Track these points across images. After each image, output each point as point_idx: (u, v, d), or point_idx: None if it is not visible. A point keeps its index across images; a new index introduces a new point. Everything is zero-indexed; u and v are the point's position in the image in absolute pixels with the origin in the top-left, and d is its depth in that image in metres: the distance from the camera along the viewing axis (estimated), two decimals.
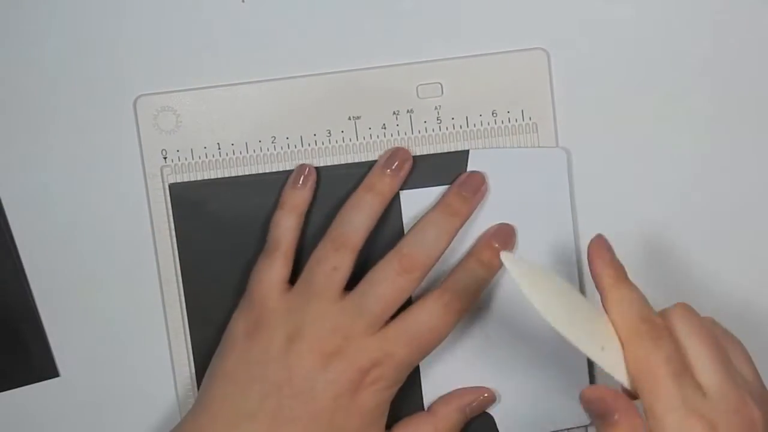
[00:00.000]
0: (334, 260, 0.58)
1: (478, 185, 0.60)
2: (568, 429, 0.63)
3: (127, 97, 0.61)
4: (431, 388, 0.62)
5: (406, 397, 0.62)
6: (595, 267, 0.53)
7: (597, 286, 0.53)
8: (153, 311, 0.62)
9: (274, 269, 0.59)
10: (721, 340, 0.52)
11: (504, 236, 0.60)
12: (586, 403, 0.51)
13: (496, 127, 0.62)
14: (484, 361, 0.62)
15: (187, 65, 0.61)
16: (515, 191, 0.61)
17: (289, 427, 0.56)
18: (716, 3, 0.62)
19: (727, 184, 0.63)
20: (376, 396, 0.57)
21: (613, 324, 0.52)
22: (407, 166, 0.60)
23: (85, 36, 0.61)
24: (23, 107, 0.61)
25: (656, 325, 0.51)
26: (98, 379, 0.63)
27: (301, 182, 0.60)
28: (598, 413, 0.50)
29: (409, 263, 0.57)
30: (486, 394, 0.61)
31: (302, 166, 0.61)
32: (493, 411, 0.62)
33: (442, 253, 0.58)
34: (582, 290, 0.61)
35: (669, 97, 0.62)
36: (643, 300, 0.52)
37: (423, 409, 0.62)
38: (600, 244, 0.54)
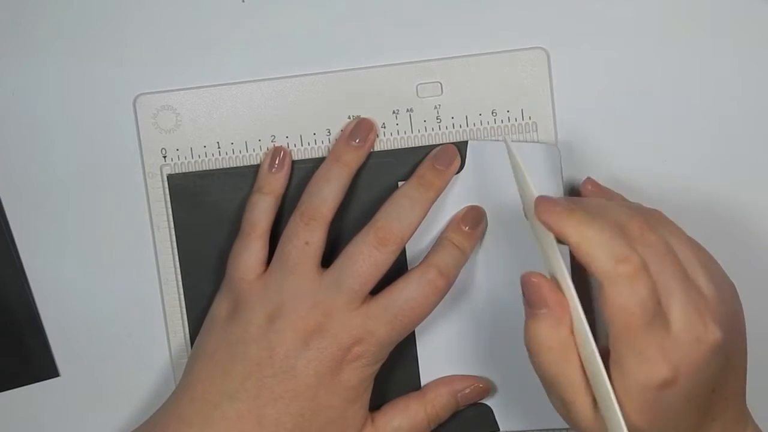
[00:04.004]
0: (305, 235, 0.58)
1: (451, 158, 0.60)
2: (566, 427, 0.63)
3: (127, 96, 0.61)
4: (429, 378, 0.62)
5: (403, 384, 0.62)
6: (547, 219, 0.52)
7: (559, 235, 0.52)
8: (153, 311, 0.62)
9: (250, 251, 0.59)
10: (676, 248, 0.52)
11: (473, 219, 0.60)
12: (523, 286, 0.52)
13: (495, 126, 0.62)
14: (484, 352, 0.62)
15: (186, 64, 0.61)
16: (513, 182, 0.61)
17: (271, 406, 0.56)
18: (716, 2, 0.62)
19: (727, 183, 0.63)
20: (358, 373, 0.57)
21: (587, 267, 0.51)
22: (372, 136, 0.61)
23: (85, 35, 0.61)
24: (23, 106, 0.61)
25: (631, 263, 0.50)
26: (98, 379, 0.63)
27: (276, 166, 0.60)
28: (529, 300, 0.52)
29: (384, 236, 0.57)
30: (481, 385, 0.61)
31: (277, 149, 0.61)
32: (491, 402, 0.62)
33: (418, 225, 0.58)
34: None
35: (669, 96, 0.62)
36: (611, 235, 0.51)
37: None
38: (545, 201, 0.53)
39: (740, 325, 0.54)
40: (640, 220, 0.52)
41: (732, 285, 0.54)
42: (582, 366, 0.52)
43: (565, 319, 0.52)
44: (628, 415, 0.50)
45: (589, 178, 0.60)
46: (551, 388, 0.53)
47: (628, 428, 0.50)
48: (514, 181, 0.57)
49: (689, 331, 0.50)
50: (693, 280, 0.52)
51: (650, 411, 0.50)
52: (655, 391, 0.50)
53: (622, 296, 0.50)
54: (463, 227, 0.60)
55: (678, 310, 0.51)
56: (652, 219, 0.54)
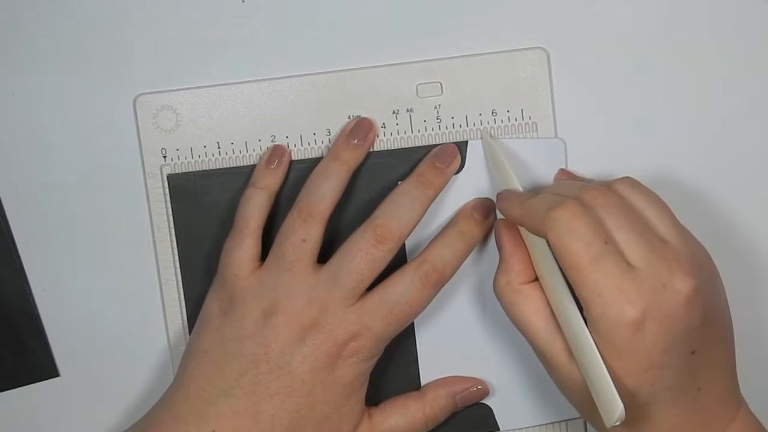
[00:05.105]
0: (302, 232, 0.58)
1: (451, 156, 0.60)
2: (565, 420, 0.63)
3: (127, 96, 0.61)
4: (429, 378, 0.62)
5: (403, 384, 0.62)
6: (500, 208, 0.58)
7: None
8: (153, 311, 0.62)
9: (243, 247, 0.59)
10: (640, 207, 0.54)
11: (485, 209, 0.61)
12: (495, 235, 0.58)
13: (495, 126, 0.62)
14: (484, 352, 0.62)
15: (186, 64, 0.61)
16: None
17: (267, 402, 0.56)
18: (716, 3, 0.62)
19: (727, 183, 0.63)
20: (354, 368, 0.57)
21: (531, 229, 0.55)
22: (371, 136, 0.61)
23: (85, 35, 0.61)
24: (23, 107, 0.61)
25: (564, 207, 0.53)
26: (98, 379, 0.63)
27: (275, 163, 0.61)
28: (497, 246, 0.58)
29: (382, 234, 0.57)
30: (480, 387, 0.61)
31: (279, 148, 0.61)
32: (490, 401, 0.62)
33: (416, 223, 0.58)
34: None
35: (669, 96, 0.62)
36: (548, 198, 0.55)
37: None
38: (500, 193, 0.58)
39: (718, 289, 0.55)
40: (595, 188, 0.55)
41: (705, 249, 0.55)
42: (545, 313, 0.55)
43: (520, 264, 0.56)
44: (606, 360, 0.52)
45: (561, 170, 0.61)
46: (522, 332, 0.56)
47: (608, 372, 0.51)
48: (499, 177, 0.59)
49: (653, 277, 0.51)
50: (659, 234, 0.53)
51: (626, 355, 0.51)
52: (625, 333, 0.51)
53: (562, 237, 0.52)
54: (475, 215, 0.60)
55: (639, 257, 0.52)
56: (618, 184, 0.56)
